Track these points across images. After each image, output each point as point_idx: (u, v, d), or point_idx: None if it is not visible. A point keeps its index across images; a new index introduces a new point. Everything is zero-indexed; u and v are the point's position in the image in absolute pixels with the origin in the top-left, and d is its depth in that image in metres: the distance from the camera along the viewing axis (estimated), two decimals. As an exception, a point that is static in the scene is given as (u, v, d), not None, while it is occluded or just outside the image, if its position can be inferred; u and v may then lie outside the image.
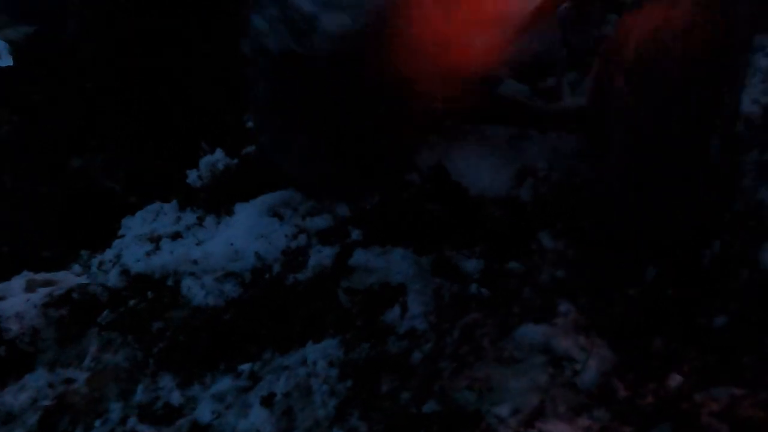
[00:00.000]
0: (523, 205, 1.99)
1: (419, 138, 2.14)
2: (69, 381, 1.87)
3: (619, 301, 1.50)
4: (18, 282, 2.21)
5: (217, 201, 2.52)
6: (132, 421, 1.73)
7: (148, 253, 2.38)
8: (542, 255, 1.84)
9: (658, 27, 1.42)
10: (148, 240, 2.48)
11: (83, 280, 2.26)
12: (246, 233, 2.28)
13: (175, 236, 2.46)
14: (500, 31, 1.90)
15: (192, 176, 2.62)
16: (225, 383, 1.79)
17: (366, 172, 2.19)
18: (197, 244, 2.34)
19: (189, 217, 2.54)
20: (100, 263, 2.38)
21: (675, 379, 1.32)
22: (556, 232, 1.89)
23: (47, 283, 2.18)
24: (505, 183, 2.05)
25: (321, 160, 2.18)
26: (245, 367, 1.82)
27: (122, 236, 2.55)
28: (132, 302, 2.13)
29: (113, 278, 2.25)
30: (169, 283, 2.17)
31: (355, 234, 2.10)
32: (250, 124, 2.63)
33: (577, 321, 1.46)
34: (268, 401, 1.66)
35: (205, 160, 2.61)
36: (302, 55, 1.90)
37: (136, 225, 2.61)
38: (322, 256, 2.04)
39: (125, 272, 2.28)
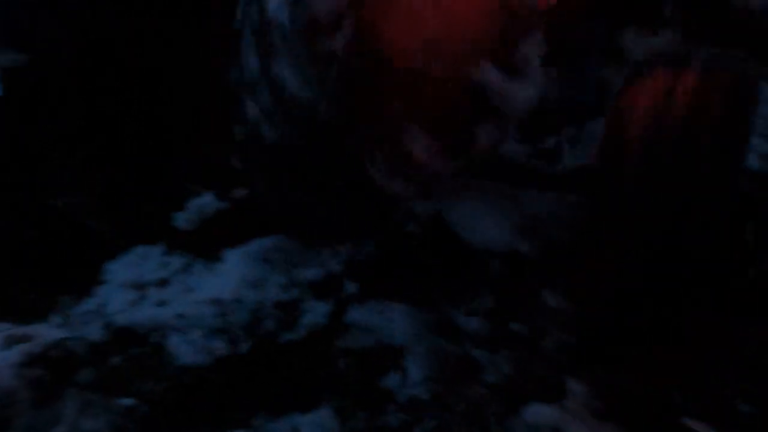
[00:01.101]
0: (525, 261, 1.93)
1: (417, 188, 2.07)
2: (43, 452, 1.74)
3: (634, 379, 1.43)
4: (-6, 336, 2.08)
5: (206, 245, 2.43)
6: (110, 498, 1.61)
7: (132, 303, 2.27)
8: (546, 315, 1.77)
9: (668, 92, 1.38)
10: (132, 287, 2.37)
11: (63, 333, 2.14)
12: (237, 283, 2.19)
13: (162, 283, 2.35)
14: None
15: (179, 219, 2.52)
16: (212, 452, 1.68)
17: (362, 220, 2.12)
18: (185, 293, 2.24)
19: (176, 262, 2.43)
20: (81, 314, 2.25)
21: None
22: (560, 291, 1.83)
23: (24, 338, 2.05)
24: (506, 236, 1.99)
25: (317, 208, 2.11)
26: (234, 434, 1.72)
27: (104, 282, 2.44)
28: (114, 359, 2.01)
29: (95, 332, 2.13)
30: (154, 338, 2.05)
31: (351, 287, 2.02)
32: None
33: (589, 403, 1.39)
34: (257, 477, 1.56)
35: (194, 203, 2.51)
36: (300, 145, 1.81)
37: (119, 270, 2.48)
38: (315, 312, 1.95)
39: (108, 325, 2.16)
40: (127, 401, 1.89)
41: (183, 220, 2.53)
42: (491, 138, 1.72)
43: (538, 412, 1.39)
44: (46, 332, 2.14)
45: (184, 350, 1.99)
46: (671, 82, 1.32)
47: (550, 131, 2.01)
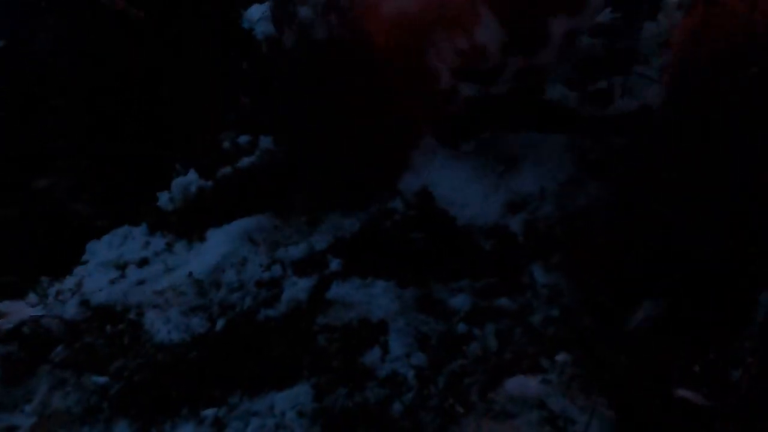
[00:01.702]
0: (513, 236, 1.87)
1: (402, 158, 2.01)
2: (11, 429, 1.68)
3: (620, 352, 1.35)
4: (-32, 314, 2.02)
5: (188, 225, 2.37)
6: (79, 476, 1.55)
7: (111, 282, 2.21)
8: (535, 291, 1.70)
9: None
10: (113, 266, 2.31)
11: (38, 311, 2.08)
12: (218, 262, 2.12)
13: (143, 263, 2.29)
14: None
15: (163, 199, 2.46)
16: (186, 431, 1.62)
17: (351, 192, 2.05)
18: (165, 272, 2.18)
19: (158, 242, 2.37)
20: (58, 292, 2.19)
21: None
22: (549, 266, 1.76)
23: (-2, 315, 2.00)
24: (494, 212, 1.92)
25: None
26: (209, 412, 1.65)
27: (86, 262, 2.38)
28: (89, 337, 1.95)
29: (71, 309, 2.07)
30: (132, 316, 1.99)
31: (334, 264, 1.95)
32: (226, 144, 2.48)
33: (574, 375, 1.32)
34: (232, 454, 1.49)
35: (178, 182, 2.45)
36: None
37: (101, 250, 2.43)
38: (297, 289, 1.89)
39: (85, 303, 2.10)
40: (101, 379, 1.82)
41: (166, 200, 2.47)
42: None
43: (522, 383, 1.32)
44: (22, 310, 2.08)
45: (161, 328, 1.92)
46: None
47: (600, 75, 1.95)
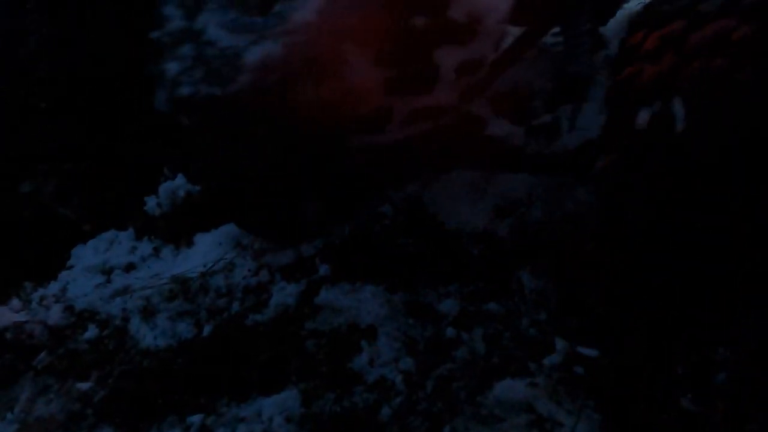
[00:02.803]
0: (501, 241, 1.88)
1: (392, 171, 2.01)
2: (-8, 436, 1.65)
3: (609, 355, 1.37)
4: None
5: (176, 230, 2.35)
6: (63, 484, 1.52)
7: (97, 287, 2.19)
8: (522, 295, 1.71)
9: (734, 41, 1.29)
10: (99, 272, 2.29)
11: (21, 316, 2.05)
12: (206, 267, 2.11)
13: (129, 268, 2.27)
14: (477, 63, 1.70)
15: (151, 203, 2.44)
16: (172, 438, 1.60)
17: (335, 205, 2.05)
18: (152, 277, 2.16)
19: (145, 247, 2.36)
20: (42, 297, 2.16)
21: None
22: (536, 271, 1.77)
23: (-21, 321, 1.97)
24: (482, 217, 1.93)
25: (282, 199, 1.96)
26: (196, 418, 1.63)
27: (71, 267, 2.35)
28: (73, 343, 1.93)
29: (55, 315, 2.04)
30: (117, 321, 1.97)
31: (323, 269, 1.95)
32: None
33: (562, 378, 1.33)
34: (218, 460, 1.48)
35: (166, 187, 2.44)
36: (224, 98, 1.62)
37: (87, 255, 2.41)
38: (285, 294, 1.88)
39: (69, 308, 2.07)
40: (85, 386, 1.80)
41: (154, 204, 2.45)
42: (460, 61, 1.58)
43: (510, 387, 1.32)
44: (5, 315, 2.05)
45: (147, 334, 1.90)
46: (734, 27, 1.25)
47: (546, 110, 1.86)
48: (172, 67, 1.72)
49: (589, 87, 1.85)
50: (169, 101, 1.74)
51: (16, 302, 2.16)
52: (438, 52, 1.69)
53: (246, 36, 1.62)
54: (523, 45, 1.85)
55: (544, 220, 1.90)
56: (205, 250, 2.19)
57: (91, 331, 1.95)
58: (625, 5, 2.02)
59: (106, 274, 2.25)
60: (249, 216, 2.02)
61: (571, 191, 1.95)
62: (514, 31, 1.85)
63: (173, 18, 1.77)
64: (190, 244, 2.26)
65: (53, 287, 2.23)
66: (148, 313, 1.97)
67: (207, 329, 1.86)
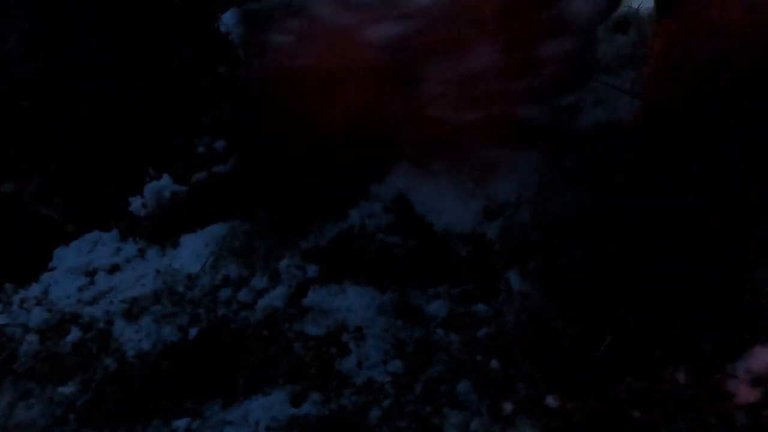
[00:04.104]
0: (490, 243, 1.88)
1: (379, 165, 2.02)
2: (-29, 443, 1.61)
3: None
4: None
5: (162, 231, 2.32)
6: (43, 491, 1.49)
7: (80, 289, 2.15)
8: (510, 297, 1.72)
9: None
10: (82, 273, 2.25)
11: (1, 319, 2.01)
12: (191, 268, 2.08)
13: (113, 269, 2.24)
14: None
15: (135, 203, 2.41)
16: (157, 442, 1.57)
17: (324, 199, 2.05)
18: (136, 279, 2.13)
19: (130, 249, 2.32)
20: (23, 300, 2.12)
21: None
22: (525, 272, 1.77)
23: (-42, 325, 1.92)
24: (471, 218, 1.93)
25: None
26: (181, 423, 1.61)
27: (53, 269, 2.31)
28: (55, 346, 1.89)
29: (36, 318, 2.00)
30: (101, 324, 1.94)
31: (311, 270, 1.94)
32: (201, 148, 2.45)
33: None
34: (203, 465, 1.46)
35: (151, 187, 2.40)
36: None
37: (70, 256, 2.36)
38: (273, 295, 1.86)
39: (51, 311, 2.03)
40: (67, 390, 1.76)
41: (139, 204, 2.42)
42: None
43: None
44: (-16, 318, 2.01)
45: (131, 337, 1.87)
46: None
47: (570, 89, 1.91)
48: (275, 39, 1.76)
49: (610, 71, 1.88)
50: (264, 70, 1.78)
51: (-4, 305, 2.11)
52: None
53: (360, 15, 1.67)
54: None
55: (532, 222, 1.90)
56: (192, 252, 2.16)
57: (74, 334, 1.91)
58: None
59: (89, 275, 2.21)
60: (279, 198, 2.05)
61: (560, 194, 1.96)
62: None
63: None
64: (176, 245, 2.23)
65: (34, 289, 2.18)
66: (132, 315, 1.94)
67: (193, 332, 1.84)
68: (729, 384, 1.32)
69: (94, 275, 2.20)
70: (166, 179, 2.41)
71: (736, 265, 1.43)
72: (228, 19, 2.47)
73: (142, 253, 2.28)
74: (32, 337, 1.92)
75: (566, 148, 1.91)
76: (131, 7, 2.63)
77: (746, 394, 1.30)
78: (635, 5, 2.21)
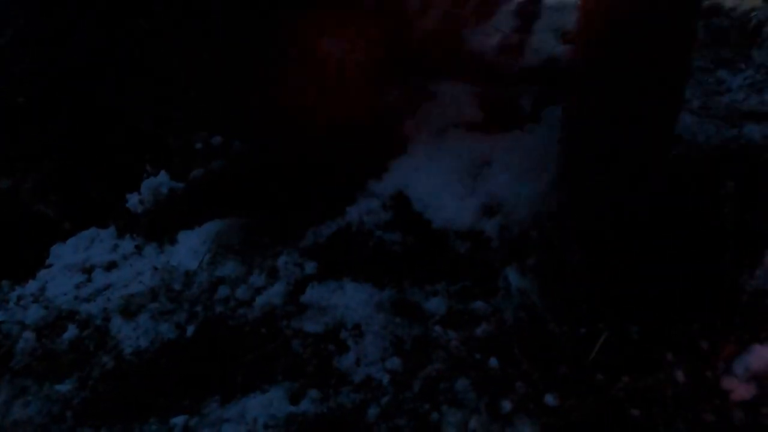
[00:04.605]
0: (488, 240, 1.87)
1: (377, 161, 2.01)
2: (-33, 440, 1.60)
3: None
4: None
5: (159, 228, 2.31)
6: (41, 488, 1.48)
7: (77, 286, 2.14)
8: (508, 294, 1.71)
9: None
10: (79, 270, 2.24)
11: (-1, 317, 2.00)
12: (189, 265, 2.07)
13: (110, 266, 2.23)
14: None
15: (133, 200, 2.40)
16: (154, 440, 1.57)
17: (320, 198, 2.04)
18: (134, 276, 2.12)
19: (127, 245, 2.31)
20: (20, 297, 2.11)
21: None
22: (523, 269, 1.77)
23: (-46, 322, 1.91)
24: (469, 215, 1.92)
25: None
26: (179, 420, 1.60)
27: (50, 266, 2.30)
28: (52, 344, 1.88)
29: (33, 315, 1.99)
30: (98, 321, 1.93)
31: (309, 267, 1.93)
32: (198, 145, 2.44)
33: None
34: (202, 463, 1.45)
35: (148, 183, 2.39)
36: None
37: (66, 253, 2.35)
38: (271, 292, 1.85)
39: (48, 308, 2.02)
40: (64, 387, 1.76)
41: (136, 201, 2.41)
42: None
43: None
44: (-20, 316, 2.00)
45: (129, 334, 1.86)
46: None
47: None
48: None
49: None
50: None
51: (-8, 302, 2.10)
52: None
53: None
54: None
55: (530, 219, 1.90)
56: (189, 248, 2.15)
57: (71, 332, 1.91)
58: None
59: (86, 272, 2.20)
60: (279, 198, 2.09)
61: (556, 190, 1.95)
62: None
63: None
64: (173, 242, 2.22)
65: (31, 286, 2.17)
66: (129, 312, 1.93)
67: (190, 329, 1.83)
68: (727, 382, 1.32)
69: (91, 272, 2.19)
70: (163, 176, 2.40)
71: (734, 265, 1.43)
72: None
73: (139, 250, 2.27)
74: (29, 335, 1.91)
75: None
76: (129, 4, 2.62)
77: (744, 392, 1.30)
78: None
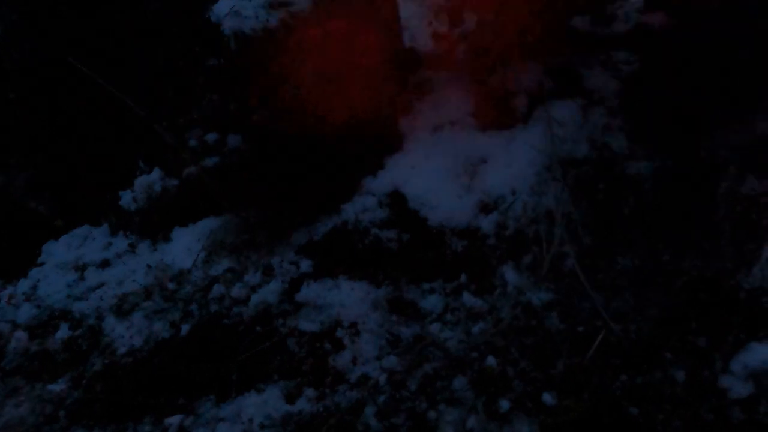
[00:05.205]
0: (485, 237, 1.86)
1: (374, 158, 2.00)
2: (-42, 441, 1.58)
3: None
4: None
5: (152, 225, 2.28)
6: (34, 489, 1.47)
7: (69, 285, 2.12)
8: (505, 292, 1.70)
9: None
10: (71, 268, 2.21)
11: (-11, 316, 1.97)
12: (183, 263, 2.05)
13: (103, 264, 2.20)
14: None
15: (126, 198, 2.37)
16: (148, 440, 1.55)
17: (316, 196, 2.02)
18: (127, 274, 2.10)
19: (120, 243, 2.29)
20: (11, 295, 2.08)
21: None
22: (520, 266, 1.76)
23: (-56, 321, 1.88)
24: (465, 212, 1.92)
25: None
26: (174, 420, 1.59)
27: (42, 264, 2.27)
28: (45, 343, 1.86)
29: (25, 314, 1.97)
30: (91, 320, 1.91)
31: (305, 265, 1.91)
32: (192, 142, 2.41)
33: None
34: (196, 463, 1.44)
35: (141, 181, 2.36)
36: None
37: (59, 251, 2.33)
38: (266, 290, 1.84)
39: (40, 307, 2.00)
40: (57, 387, 1.73)
41: (129, 199, 2.37)
42: None
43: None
44: (-29, 315, 1.98)
45: (122, 333, 1.84)
46: None
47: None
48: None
49: None
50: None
51: (-17, 301, 2.08)
52: None
53: None
54: None
55: (526, 216, 1.89)
56: (184, 246, 2.13)
57: (63, 331, 1.88)
58: None
59: (79, 270, 2.18)
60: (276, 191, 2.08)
61: (552, 187, 1.94)
62: None
63: None
64: (167, 239, 2.20)
65: (23, 285, 2.15)
66: (123, 311, 1.91)
67: (185, 328, 1.81)
68: (725, 380, 1.32)
69: (84, 270, 2.17)
70: (156, 173, 2.37)
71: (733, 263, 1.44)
72: (219, 9, 2.42)
73: (132, 248, 2.24)
74: (21, 334, 1.89)
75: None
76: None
77: (742, 390, 1.30)
78: None
